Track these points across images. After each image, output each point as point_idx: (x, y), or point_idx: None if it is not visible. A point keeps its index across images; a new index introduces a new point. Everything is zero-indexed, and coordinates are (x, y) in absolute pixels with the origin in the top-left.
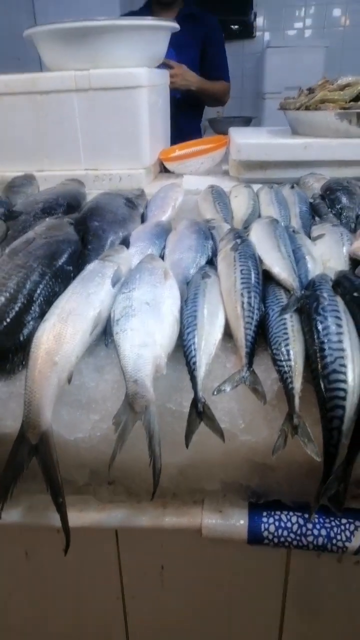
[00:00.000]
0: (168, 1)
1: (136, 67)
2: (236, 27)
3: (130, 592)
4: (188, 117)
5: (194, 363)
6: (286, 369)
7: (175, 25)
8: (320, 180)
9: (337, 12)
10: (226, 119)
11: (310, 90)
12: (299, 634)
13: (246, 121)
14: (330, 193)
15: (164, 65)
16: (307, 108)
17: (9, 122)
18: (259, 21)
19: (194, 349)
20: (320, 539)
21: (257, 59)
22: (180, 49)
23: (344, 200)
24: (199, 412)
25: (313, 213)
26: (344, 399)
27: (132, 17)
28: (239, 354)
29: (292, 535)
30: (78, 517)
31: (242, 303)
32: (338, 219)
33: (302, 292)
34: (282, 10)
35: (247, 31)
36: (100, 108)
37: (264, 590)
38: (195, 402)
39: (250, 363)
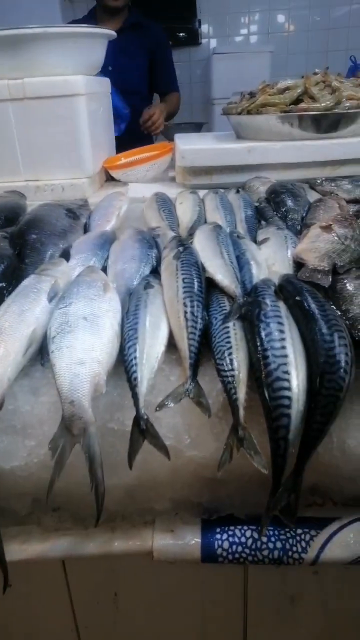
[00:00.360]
0: (113, 9)
1: (73, 74)
2: (182, 34)
3: (84, 622)
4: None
5: (135, 379)
6: (229, 379)
7: (112, 33)
8: (266, 183)
9: (281, 18)
10: (177, 125)
11: (252, 95)
12: None
13: (197, 127)
14: (275, 196)
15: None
16: (249, 112)
17: None
18: (204, 28)
19: (135, 364)
20: (276, 552)
21: (204, 65)
22: (128, 57)
23: (289, 202)
24: (142, 430)
25: (259, 217)
26: (288, 407)
27: (67, 24)
28: (183, 366)
29: (247, 550)
30: (21, 550)
31: (185, 312)
32: (284, 222)
33: (245, 298)
34: (227, 17)
35: (192, 38)
36: (37, 117)
37: (223, 608)
38: (137, 419)
39: (194, 375)
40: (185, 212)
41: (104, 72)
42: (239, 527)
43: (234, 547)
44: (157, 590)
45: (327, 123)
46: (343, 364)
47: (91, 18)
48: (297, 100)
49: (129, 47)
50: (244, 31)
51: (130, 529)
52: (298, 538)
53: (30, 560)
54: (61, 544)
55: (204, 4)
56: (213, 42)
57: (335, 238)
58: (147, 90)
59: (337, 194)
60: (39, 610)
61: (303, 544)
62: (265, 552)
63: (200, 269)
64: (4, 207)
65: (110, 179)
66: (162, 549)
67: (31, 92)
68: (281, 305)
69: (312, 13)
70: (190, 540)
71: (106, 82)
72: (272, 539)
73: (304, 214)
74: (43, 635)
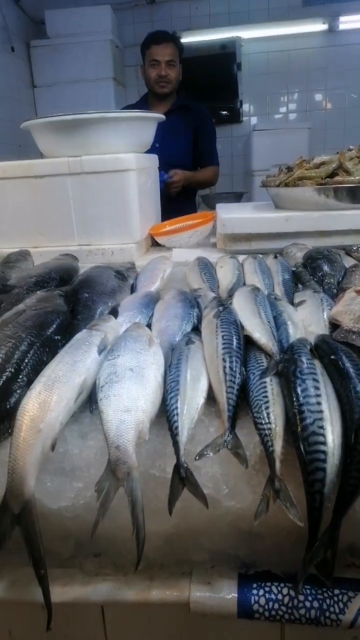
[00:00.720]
0: (162, 96)
1: (125, 152)
2: (225, 112)
3: None
4: (182, 196)
5: (176, 428)
6: (266, 431)
7: (161, 116)
8: (303, 249)
9: (318, 97)
10: (218, 194)
11: (289, 169)
12: None
13: (237, 196)
14: (312, 261)
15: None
16: (286, 185)
17: (7, 203)
18: (245, 107)
19: (177, 414)
20: (313, 612)
21: (245, 140)
22: (175, 136)
23: (325, 267)
24: (182, 477)
25: (296, 281)
26: (324, 461)
27: (122, 110)
28: (222, 418)
29: (283, 608)
30: (62, 592)
31: (224, 367)
32: (320, 286)
33: (282, 356)
34: (267, 97)
35: (234, 116)
36: (92, 189)
37: None
38: (177, 467)
39: (232, 427)
40: (225, 275)
41: (152, 149)
42: (276, 584)
43: (271, 603)
44: None
45: None
46: None
47: (144, 102)
48: (332, 174)
49: (176, 126)
50: (282, 109)
51: (167, 578)
52: (335, 599)
53: (71, 603)
54: (102, 589)
55: (246, 86)
56: (254, 120)
57: None
58: (191, 163)
59: None
60: None
61: (341, 604)
62: (302, 611)
63: (239, 327)
64: (60, 269)
65: (155, 244)
66: (200, 601)
67: (88, 168)
68: (317, 363)
69: (348, 92)
70: (227, 594)
71: (154, 158)
72: (309, 597)
73: (340, 279)
74: None
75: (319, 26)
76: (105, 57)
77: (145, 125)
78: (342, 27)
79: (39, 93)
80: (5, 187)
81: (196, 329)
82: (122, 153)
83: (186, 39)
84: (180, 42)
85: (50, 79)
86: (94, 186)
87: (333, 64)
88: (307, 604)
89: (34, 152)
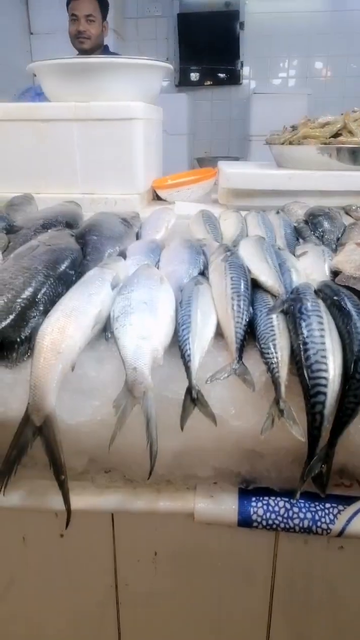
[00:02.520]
0: (83, 51)
1: (132, 101)
2: (224, 75)
3: (124, 580)
4: None
5: (189, 355)
6: (273, 360)
7: (169, 66)
8: (304, 207)
9: (318, 64)
10: (214, 158)
11: (293, 128)
12: (287, 617)
13: (233, 160)
14: (313, 218)
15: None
16: (290, 143)
17: (10, 146)
18: (246, 70)
19: (189, 343)
20: (306, 522)
21: (244, 104)
22: None
23: (326, 224)
24: (193, 398)
25: (297, 236)
26: (325, 386)
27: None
28: (230, 350)
29: (279, 518)
30: (76, 501)
31: (232, 305)
32: (320, 241)
33: (288, 296)
34: (267, 60)
35: (234, 78)
36: (98, 137)
37: (253, 575)
38: (189, 389)
39: (240, 357)
40: (228, 228)
41: None
42: (273, 497)
43: (268, 514)
44: (194, 553)
45: None
46: None
47: None
48: (336, 135)
49: None
50: (282, 74)
51: (174, 491)
52: (327, 511)
53: (83, 511)
54: (113, 499)
55: (247, 48)
56: (253, 83)
57: None
58: None
59: None
60: (84, 566)
61: (331, 516)
62: (296, 521)
63: (247, 272)
64: (66, 214)
65: (156, 197)
66: (203, 511)
67: (95, 114)
68: (320, 302)
69: (349, 60)
70: (229, 505)
71: (159, 110)
72: (303, 509)
73: (340, 235)
74: (85, 588)
75: None
76: None
77: (153, 74)
78: None
79: (35, 40)
80: (8, 130)
81: (202, 274)
82: (130, 101)
83: None
84: None
85: (48, 27)
86: (100, 133)
87: (336, 30)
88: (301, 514)
89: None
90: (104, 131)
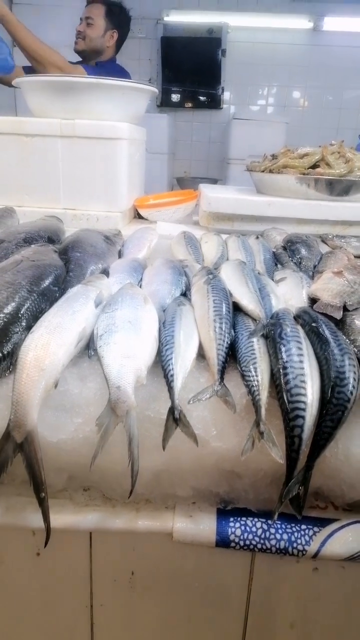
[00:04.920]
0: (79, 53)
1: (117, 121)
2: (205, 98)
3: (99, 601)
4: None
5: (172, 375)
6: (254, 382)
7: (155, 90)
8: (282, 234)
9: (296, 94)
10: (193, 179)
11: (274, 157)
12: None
13: (212, 182)
14: (291, 245)
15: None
16: (270, 171)
17: None
18: (226, 95)
19: (172, 363)
20: (282, 543)
21: (223, 127)
22: None
23: (304, 251)
24: (176, 418)
25: (275, 261)
26: (304, 410)
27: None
28: (212, 371)
29: (256, 539)
30: (54, 519)
31: (215, 327)
32: (298, 268)
33: (268, 320)
34: (248, 87)
35: (215, 102)
36: (82, 154)
37: (229, 596)
38: (172, 409)
39: (222, 378)
40: (210, 250)
41: None
42: (251, 518)
43: (245, 534)
44: (171, 573)
45: (340, 187)
46: (351, 379)
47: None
48: (314, 166)
49: None
50: (261, 102)
51: (153, 511)
52: (302, 532)
53: (61, 529)
54: (91, 518)
55: (228, 74)
56: (232, 108)
57: (346, 282)
58: None
59: (346, 249)
60: (59, 585)
61: (307, 537)
62: (273, 542)
63: (228, 295)
64: (48, 228)
65: (137, 216)
66: (182, 531)
67: (80, 132)
68: (299, 328)
69: (325, 93)
70: (207, 525)
71: (143, 130)
72: (280, 530)
73: (317, 263)
74: (59, 608)
75: (305, 23)
76: None
77: (139, 96)
78: (326, 27)
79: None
80: None
81: (184, 295)
82: (115, 121)
83: (173, 18)
84: (118, 8)
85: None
86: (84, 150)
87: (314, 63)
88: (278, 536)
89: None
90: (89, 149)
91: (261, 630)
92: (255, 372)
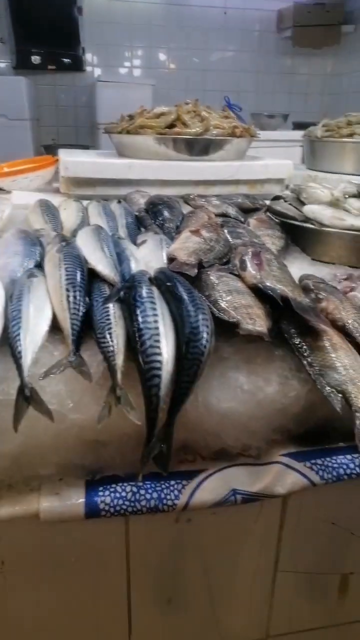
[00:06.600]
0: None
1: None
2: (67, 60)
3: None
4: None
5: (19, 352)
6: (109, 348)
7: None
8: (145, 196)
9: (162, 56)
10: (61, 145)
11: (130, 117)
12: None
13: (82, 149)
14: (153, 207)
15: None
16: (128, 132)
17: None
18: (89, 57)
19: (19, 339)
20: (152, 501)
21: (89, 91)
22: None
23: (166, 213)
24: (26, 397)
25: (139, 224)
26: (159, 369)
27: None
28: (67, 342)
29: (127, 502)
30: None
31: (68, 297)
32: (161, 229)
33: (123, 284)
34: (110, 48)
35: (77, 64)
36: None
37: (107, 562)
38: (21, 388)
39: (77, 349)
40: (68, 217)
41: None
42: (120, 484)
43: (115, 500)
44: (43, 556)
45: (198, 147)
46: (205, 334)
47: None
48: (172, 125)
49: None
50: (127, 64)
51: (16, 495)
52: (172, 488)
53: None
54: None
55: (88, 34)
56: (98, 71)
57: (202, 240)
58: None
59: (207, 208)
60: None
61: (176, 492)
62: (143, 503)
63: (83, 261)
64: None
65: None
66: (48, 510)
67: None
68: (154, 289)
69: (191, 54)
70: (75, 500)
71: None
72: (150, 490)
73: (179, 224)
74: None
75: None
76: None
77: None
78: None
79: None
80: None
81: (39, 267)
82: None
83: None
84: None
85: None
86: None
87: (174, 23)
88: (147, 495)
89: None
90: None
91: (145, 585)
92: (111, 337)
